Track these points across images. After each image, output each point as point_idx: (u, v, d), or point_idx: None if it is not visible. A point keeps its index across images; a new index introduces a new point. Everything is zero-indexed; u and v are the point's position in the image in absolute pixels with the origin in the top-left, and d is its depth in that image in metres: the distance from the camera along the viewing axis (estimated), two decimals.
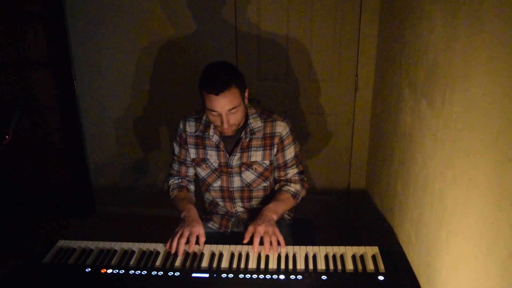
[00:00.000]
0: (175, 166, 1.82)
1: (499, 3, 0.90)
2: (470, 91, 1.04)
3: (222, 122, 1.54)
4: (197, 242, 1.55)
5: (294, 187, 1.75)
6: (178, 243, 1.50)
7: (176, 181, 1.81)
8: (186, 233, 1.52)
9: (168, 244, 1.53)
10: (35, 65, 2.94)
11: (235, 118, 1.56)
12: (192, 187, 1.84)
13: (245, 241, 1.53)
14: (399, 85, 1.86)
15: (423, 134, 1.45)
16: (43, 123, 3.09)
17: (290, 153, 1.74)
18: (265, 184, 1.80)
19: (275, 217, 1.61)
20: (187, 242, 1.52)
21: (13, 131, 2.39)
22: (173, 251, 1.50)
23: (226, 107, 1.50)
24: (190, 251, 1.51)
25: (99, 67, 2.88)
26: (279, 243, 1.51)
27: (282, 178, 1.78)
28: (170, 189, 1.80)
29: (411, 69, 1.65)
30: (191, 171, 1.83)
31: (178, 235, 1.53)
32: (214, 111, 1.51)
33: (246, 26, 2.65)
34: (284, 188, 1.75)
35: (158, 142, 3.02)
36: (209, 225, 1.87)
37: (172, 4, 2.66)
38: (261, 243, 1.51)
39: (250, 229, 1.55)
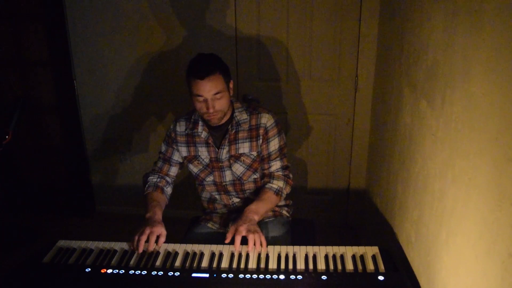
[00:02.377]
0: (159, 163, 1.85)
1: (499, 3, 0.90)
2: (470, 91, 1.04)
3: (208, 107, 1.58)
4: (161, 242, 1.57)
5: (276, 184, 1.77)
6: (138, 240, 1.52)
7: (155, 180, 1.82)
8: (147, 232, 1.55)
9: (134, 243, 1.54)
10: (35, 65, 2.94)
11: (220, 104, 1.61)
12: (169, 189, 1.84)
13: (227, 240, 1.55)
14: (399, 85, 1.86)
15: (423, 134, 1.45)
16: (43, 123, 3.09)
17: (274, 145, 1.76)
18: (255, 176, 1.82)
19: (256, 218, 1.64)
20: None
21: (13, 131, 2.39)
22: (137, 248, 1.52)
23: (211, 91, 1.56)
24: (149, 249, 1.52)
25: (99, 67, 2.87)
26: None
27: (266, 172, 1.80)
28: (147, 185, 1.81)
29: (411, 69, 1.65)
30: (173, 171, 1.84)
31: (139, 233, 1.56)
32: (200, 95, 1.57)
33: (246, 26, 2.65)
34: (266, 186, 1.77)
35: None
36: (209, 225, 1.88)
37: (172, 4, 2.66)
38: (245, 242, 1.52)
39: (232, 229, 1.58)
